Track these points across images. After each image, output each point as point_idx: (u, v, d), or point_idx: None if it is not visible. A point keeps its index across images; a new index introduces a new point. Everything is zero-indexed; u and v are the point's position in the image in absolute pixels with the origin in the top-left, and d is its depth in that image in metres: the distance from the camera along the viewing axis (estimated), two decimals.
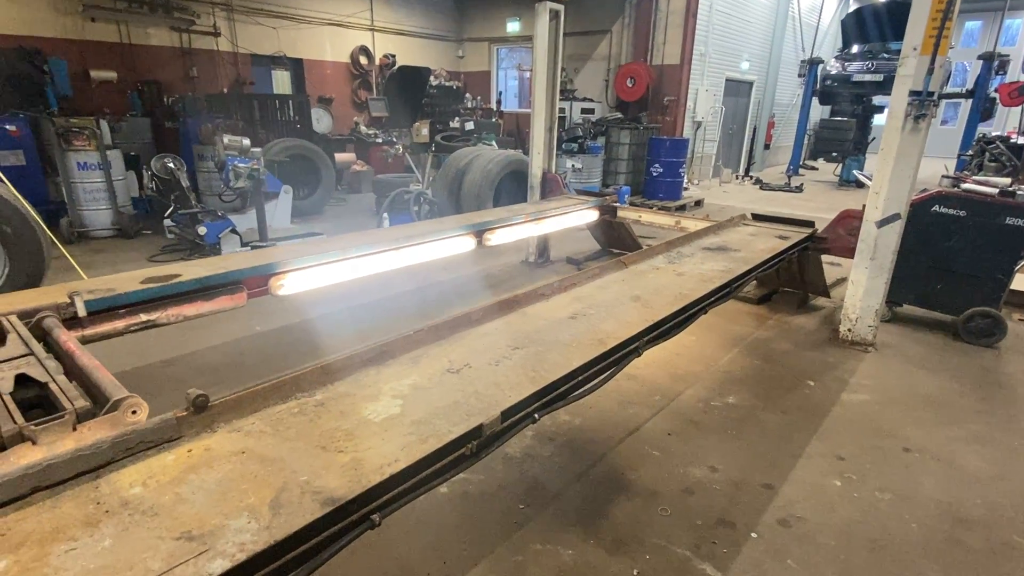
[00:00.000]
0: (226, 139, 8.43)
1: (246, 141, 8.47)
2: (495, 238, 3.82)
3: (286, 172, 8.88)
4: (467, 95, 11.98)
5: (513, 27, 13.39)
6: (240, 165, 8.06)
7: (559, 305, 2.61)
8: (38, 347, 1.76)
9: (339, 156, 10.37)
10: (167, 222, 7.36)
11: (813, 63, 13.49)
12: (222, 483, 1.37)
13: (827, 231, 4.24)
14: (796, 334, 4.53)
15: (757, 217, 4.51)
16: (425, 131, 10.89)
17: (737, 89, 13.69)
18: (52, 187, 7.73)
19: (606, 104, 12.29)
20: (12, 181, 5.45)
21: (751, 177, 14.04)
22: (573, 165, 10.16)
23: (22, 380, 1.61)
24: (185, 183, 8.34)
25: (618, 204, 4.80)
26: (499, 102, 13.01)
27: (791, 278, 5.02)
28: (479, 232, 3.73)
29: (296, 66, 11.54)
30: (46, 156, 7.77)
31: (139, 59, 9.52)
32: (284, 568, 1.24)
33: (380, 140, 10.66)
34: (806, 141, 15.22)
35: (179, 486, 1.35)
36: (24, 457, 1.32)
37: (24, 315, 1.98)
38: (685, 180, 11.08)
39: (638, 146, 10.83)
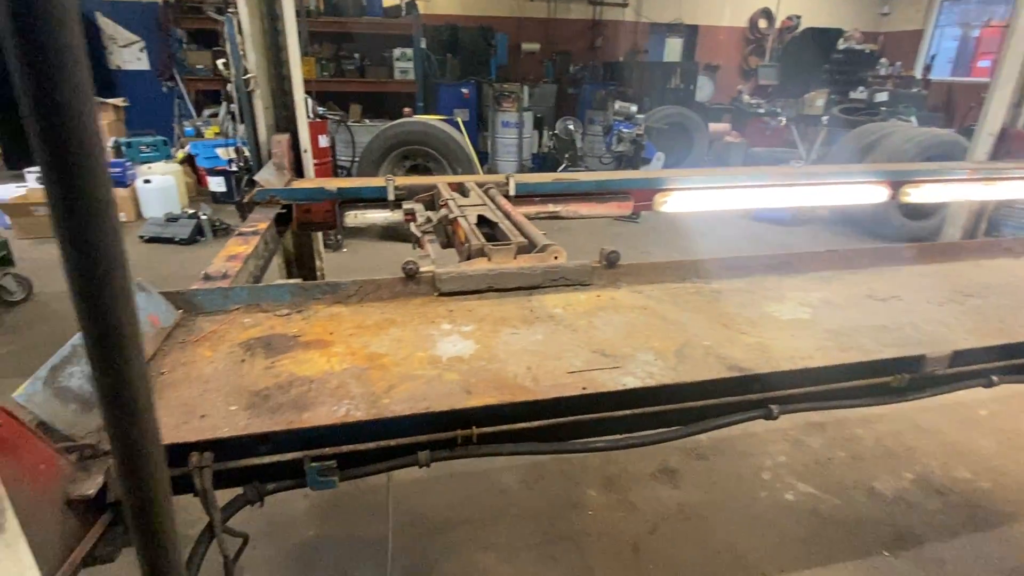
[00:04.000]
0: (616, 105, 9.10)
1: (633, 107, 8.97)
2: (917, 194, 3.06)
3: (661, 138, 9.10)
4: (882, 59, 10.09)
5: None
6: (624, 130, 8.61)
7: None
8: (489, 201, 2.15)
9: (712, 126, 10.07)
10: None
11: None
12: (627, 325, 1.43)
13: None
14: None
15: None
16: (821, 102, 9.66)
17: None
18: (481, 140, 9.67)
19: None
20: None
21: None
22: None
23: (480, 220, 1.98)
24: (579, 144, 9.36)
25: None
26: (928, 68, 10.54)
27: None
28: (896, 183, 3.04)
29: (690, 33, 11.56)
30: (480, 115, 9.74)
31: (557, 32, 10.98)
32: (684, 413, 1.21)
33: (762, 111, 9.92)
34: None
35: (591, 317, 1.46)
36: (483, 266, 1.61)
37: (479, 185, 2.47)
38: None
39: None
